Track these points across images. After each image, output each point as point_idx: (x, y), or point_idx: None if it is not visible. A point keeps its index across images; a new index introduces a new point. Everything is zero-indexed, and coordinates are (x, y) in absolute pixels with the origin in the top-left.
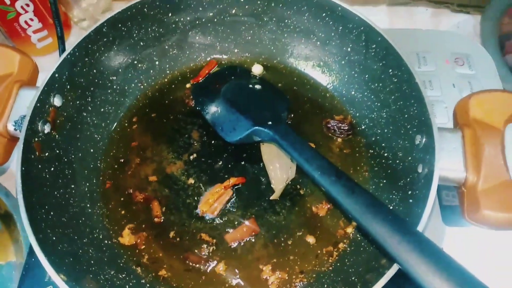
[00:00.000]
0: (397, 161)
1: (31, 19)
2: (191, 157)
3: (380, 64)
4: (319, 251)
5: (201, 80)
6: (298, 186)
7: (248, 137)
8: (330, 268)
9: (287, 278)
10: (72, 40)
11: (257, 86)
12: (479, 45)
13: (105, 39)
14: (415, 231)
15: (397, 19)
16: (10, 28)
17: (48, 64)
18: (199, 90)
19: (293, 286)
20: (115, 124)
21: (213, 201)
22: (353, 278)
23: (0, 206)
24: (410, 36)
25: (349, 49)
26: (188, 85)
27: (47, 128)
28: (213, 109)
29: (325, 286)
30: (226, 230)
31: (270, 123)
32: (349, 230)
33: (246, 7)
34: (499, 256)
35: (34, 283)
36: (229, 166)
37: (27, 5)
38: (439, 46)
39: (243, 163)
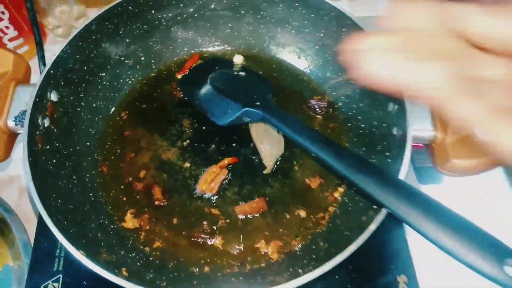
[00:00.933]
0: (373, 129)
1: (7, 27)
2: (185, 143)
3: None
4: (312, 217)
5: (186, 73)
6: (294, 161)
7: (239, 119)
8: (324, 229)
9: (282, 244)
10: (48, 46)
11: (241, 73)
12: None
13: (93, 37)
14: (397, 179)
15: (358, 9)
16: None
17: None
18: (186, 82)
19: (292, 248)
20: (108, 118)
21: (211, 180)
22: (346, 233)
23: None
24: (374, 22)
25: (322, 35)
26: (175, 78)
27: (46, 122)
28: (202, 98)
29: (321, 244)
30: (226, 206)
31: (258, 103)
32: (336, 194)
33: (224, 1)
34: (467, 206)
35: (43, 274)
36: (222, 148)
37: (3, 13)
38: None
39: (234, 144)
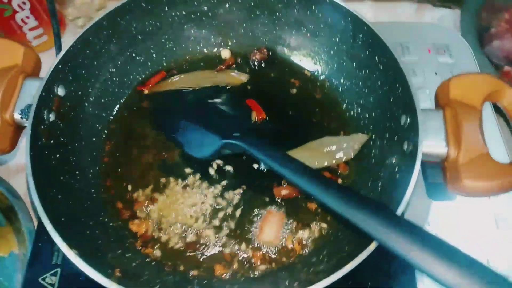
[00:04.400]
0: (384, 142)
1: (27, 17)
2: None
3: (367, 52)
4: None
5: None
6: None
7: (219, 152)
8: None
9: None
10: (67, 37)
11: (219, 100)
12: (459, 36)
13: (104, 32)
14: (390, 212)
15: (381, 13)
16: (7, 26)
17: (44, 61)
18: (158, 115)
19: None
20: (115, 114)
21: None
22: (346, 248)
23: (2, 201)
24: (394, 28)
25: (337, 40)
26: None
27: (52, 117)
28: (179, 130)
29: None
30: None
31: (236, 134)
32: None
33: (239, 1)
34: (477, 226)
35: (42, 267)
36: None
37: (24, 3)
38: (421, 37)
39: None
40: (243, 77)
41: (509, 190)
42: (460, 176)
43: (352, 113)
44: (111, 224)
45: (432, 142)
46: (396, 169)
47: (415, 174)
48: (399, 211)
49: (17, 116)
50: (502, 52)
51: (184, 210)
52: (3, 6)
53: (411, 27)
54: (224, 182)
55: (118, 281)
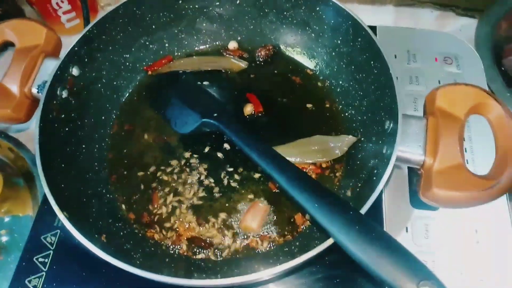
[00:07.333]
0: (370, 145)
1: (62, 1)
2: None
3: (364, 56)
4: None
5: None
6: None
7: (199, 129)
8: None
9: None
10: None
11: (205, 83)
12: (471, 47)
13: (120, 20)
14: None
15: (402, 19)
16: (43, 9)
17: (74, 42)
18: (156, 94)
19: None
20: (126, 96)
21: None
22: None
23: (24, 165)
24: (406, 34)
25: (339, 42)
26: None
27: (65, 94)
28: (167, 107)
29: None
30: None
31: (215, 115)
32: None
33: None
34: (456, 239)
35: (44, 227)
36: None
37: None
38: (431, 46)
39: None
40: (243, 64)
41: (480, 203)
42: (431, 184)
43: (346, 115)
44: (107, 195)
45: (410, 148)
46: (375, 171)
47: (385, 177)
48: (363, 211)
49: (34, 90)
50: None
51: (179, 189)
52: None
53: (423, 35)
54: (223, 165)
55: (104, 245)
